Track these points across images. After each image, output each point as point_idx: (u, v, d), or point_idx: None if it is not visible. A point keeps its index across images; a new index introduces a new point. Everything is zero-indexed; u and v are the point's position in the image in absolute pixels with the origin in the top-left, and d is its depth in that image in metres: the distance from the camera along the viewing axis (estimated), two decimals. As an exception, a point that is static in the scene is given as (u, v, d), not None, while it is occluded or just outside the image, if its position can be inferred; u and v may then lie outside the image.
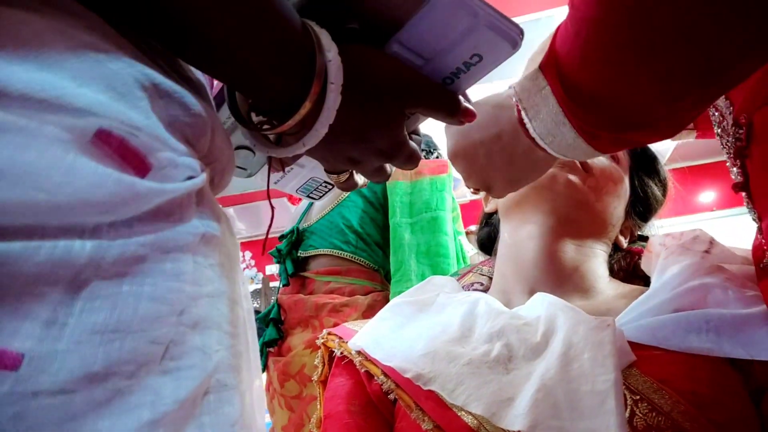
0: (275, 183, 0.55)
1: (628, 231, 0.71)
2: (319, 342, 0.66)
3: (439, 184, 1.33)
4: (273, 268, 5.13)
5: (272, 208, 0.52)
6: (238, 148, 0.49)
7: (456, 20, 0.36)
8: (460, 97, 0.42)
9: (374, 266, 1.34)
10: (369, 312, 1.20)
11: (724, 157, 0.46)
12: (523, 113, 0.44)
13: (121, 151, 0.26)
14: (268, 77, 0.36)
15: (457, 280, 0.77)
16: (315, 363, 0.67)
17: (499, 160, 0.53)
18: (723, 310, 0.45)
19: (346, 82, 0.36)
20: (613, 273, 0.68)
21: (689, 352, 0.45)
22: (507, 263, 0.66)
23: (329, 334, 0.65)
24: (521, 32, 0.37)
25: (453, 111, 0.42)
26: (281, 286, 1.37)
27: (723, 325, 0.44)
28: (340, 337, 0.62)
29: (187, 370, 0.27)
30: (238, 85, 0.39)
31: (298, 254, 1.35)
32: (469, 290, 0.72)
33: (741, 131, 0.41)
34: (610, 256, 0.69)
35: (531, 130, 0.44)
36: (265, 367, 1.30)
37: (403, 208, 1.30)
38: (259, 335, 1.31)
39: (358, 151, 0.42)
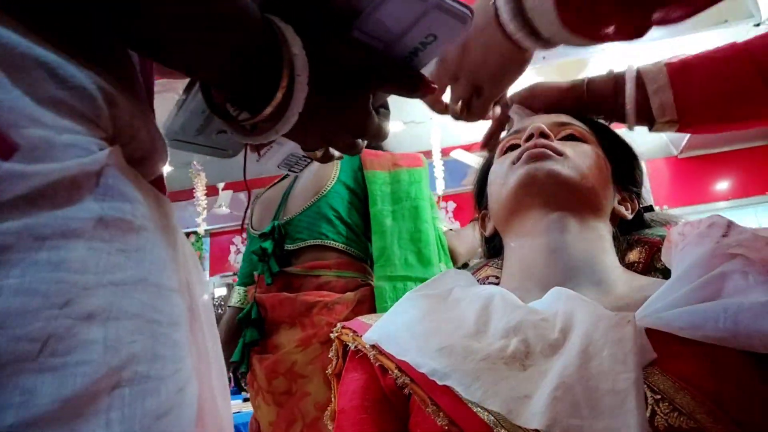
0: (256, 161, 0.60)
1: (627, 202, 0.71)
2: (333, 336, 0.66)
3: (416, 175, 1.40)
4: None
5: (248, 191, 0.60)
6: (219, 132, 0.53)
7: (408, 6, 0.40)
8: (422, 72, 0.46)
9: (363, 256, 1.36)
10: (358, 307, 1.21)
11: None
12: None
13: None
14: (238, 75, 0.38)
15: (473, 273, 0.76)
16: (330, 356, 0.67)
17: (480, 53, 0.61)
18: (743, 299, 0.43)
19: (311, 71, 0.39)
20: (632, 266, 0.67)
21: (704, 340, 0.44)
22: (515, 264, 0.66)
23: (344, 327, 0.65)
24: (471, 11, 0.41)
25: (415, 86, 0.46)
26: (261, 285, 1.32)
27: (741, 313, 0.43)
28: (355, 331, 0.62)
29: (77, 367, 0.25)
30: (212, 83, 0.41)
31: (286, 248, 1.33)
32: (484, 283, 0.71)
33: None
34: (629, 245, 0.68)
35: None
36: (248, 367, 1.29)
37: (384, 197, 1.35)
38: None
39: (329, 132, 0.45)
